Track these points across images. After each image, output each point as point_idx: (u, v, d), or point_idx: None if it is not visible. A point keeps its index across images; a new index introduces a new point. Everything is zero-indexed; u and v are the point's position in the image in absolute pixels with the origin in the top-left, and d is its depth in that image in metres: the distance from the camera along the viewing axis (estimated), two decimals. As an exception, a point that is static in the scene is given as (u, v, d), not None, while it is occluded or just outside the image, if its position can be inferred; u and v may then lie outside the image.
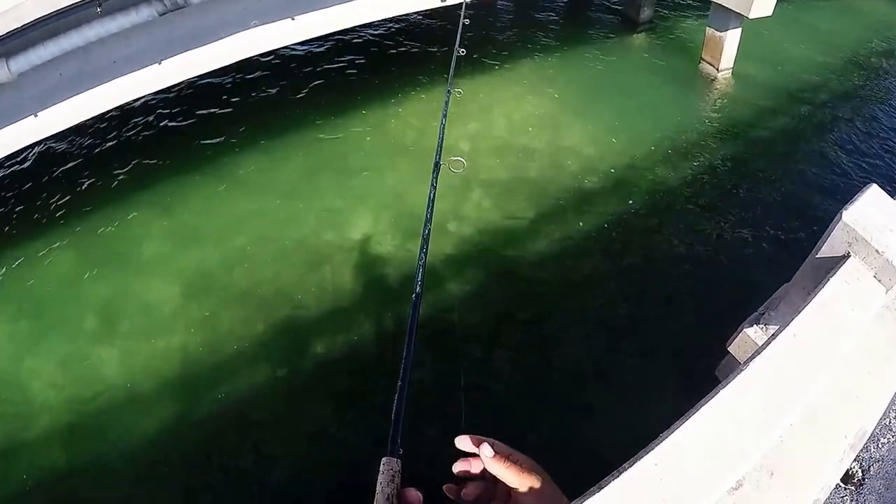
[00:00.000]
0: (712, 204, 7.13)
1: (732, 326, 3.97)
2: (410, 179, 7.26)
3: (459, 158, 2.48)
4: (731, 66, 9.62)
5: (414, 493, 0.93)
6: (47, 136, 5.80)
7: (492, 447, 0.95)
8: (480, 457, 0.94)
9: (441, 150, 2.45)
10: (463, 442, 0.99)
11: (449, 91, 3.07)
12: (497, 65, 9.68)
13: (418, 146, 7.80)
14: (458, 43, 3.34)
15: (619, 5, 11.67)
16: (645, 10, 10.90)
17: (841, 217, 2.76)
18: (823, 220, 6.36)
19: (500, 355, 5.51)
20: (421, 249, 1.83)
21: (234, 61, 6.23)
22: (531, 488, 0.90)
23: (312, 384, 5.29)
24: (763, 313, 3.48)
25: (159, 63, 5.76)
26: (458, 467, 0.99)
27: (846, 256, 2.74)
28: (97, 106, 5.79)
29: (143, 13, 5.20)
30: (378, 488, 0.94)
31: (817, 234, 2.94)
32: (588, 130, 8.29)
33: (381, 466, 0.97)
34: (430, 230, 1.92)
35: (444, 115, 2.88)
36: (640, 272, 6.27)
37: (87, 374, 5.40)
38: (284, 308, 5.88)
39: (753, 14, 8.47)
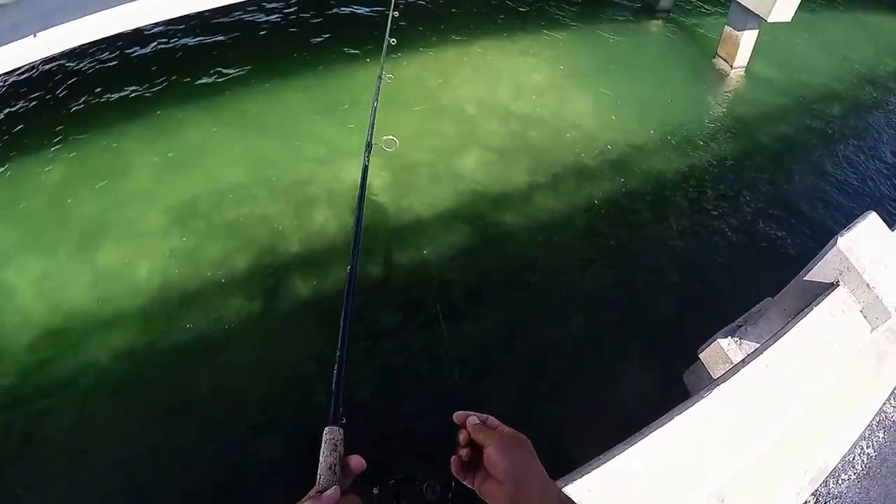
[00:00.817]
0: (705, 200, 6.95)
1: (705, 330, 3.87)
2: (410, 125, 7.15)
3: (392, 137, 2.46)
4: (745, 65, 9.40)
5: (357, 460, 0.96)
6: (45, 56, 5.54)
7: (480, 420, 0.99)
8: (467, 426, 0.98)
9: (373, 131, 2.50)
10: (457, 417, 1.01)
11: (380, 76, 3.10)
12: (509, 33, 9.36)
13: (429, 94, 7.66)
14: (388, 33, 3.36)
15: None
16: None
17: (836, 243, 2.60)
18: (814, 238, 6.32)
19: (475, 324, 5.36)
20: (356, 223, 1.81)
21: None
22: (505, 453, 0.92)
23: (284, 325, 5.20)
24: (740, 325, 3.35)
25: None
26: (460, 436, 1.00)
27: (835, 285, 2.59)
28: (99, 30, 5.51)
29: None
30: (321, 457, 0.94)
31: (806, 251, 2.80)
32: (593, 105, 8.08)
33: (324, 436, 0.98)
34: (363, 208, 1.90)
35: (376, 99, 2.91)
36: (623, 255, 6.14)
37: (62, 291, 5.30)
38: (267, 246, 5.74)
39: (772, 18, 8.27)
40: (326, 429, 0.99)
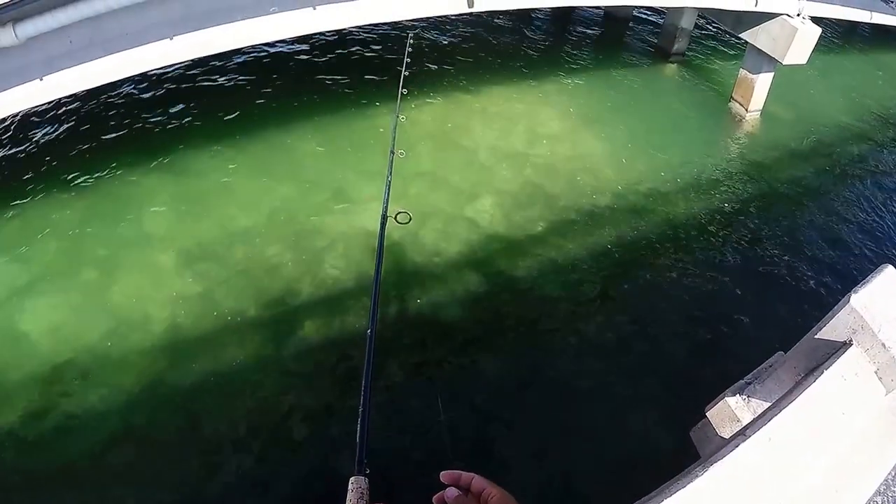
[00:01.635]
0: (720, 246, 6.75)
1: (715, 382, 3.65)
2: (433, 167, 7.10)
3: (406, 211, 2.57)
4: (761, 108, 9.27)
5: None
6: (51, 99, 5.61)
7: (469, 479, 0.96)
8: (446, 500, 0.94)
9: (387, 206, 2.61)
10: (445, 477, 0.98)
11: (392, 153, 3.19)
12: (522, 79, 9.39)
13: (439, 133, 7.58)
14: (396, 111, 3.54)
15: (652, 36, 11.31)
16: (679, 42, 10.51)
17: (849, 300, 2.42)
18: (831, 287, 6.06)
19: (488, 365, 5.23)
20: (374, 294, 1.92)
21: (247, 44, 5.99)
22: None
23: (294, 370, 5.07)
24: (749, 383, 3.14)
25: (171, 39, 5.51)
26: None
27: (848, 343, 2.40)
28: (104, 75, 5.56)
29: (155, -13, 4.96)
30: None
31: (822, 300, 2.61)
32: (607, 150, 7.98)
33: (350, 485, 1.02)
34: (380, 279, 1.98)
35: (390, 174, 2.97)
36: (636, 300, 5.97)
37: (74, 330, 5.24)
38: (278, 290, 5.66)
39: (788, 60, 8.19)
40: (352, 478, 1.03)
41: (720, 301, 5.97)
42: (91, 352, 5.11)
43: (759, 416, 2.26)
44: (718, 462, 1.76)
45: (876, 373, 2.29)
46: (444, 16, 8.72)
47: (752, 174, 8.02)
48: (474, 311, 5.70)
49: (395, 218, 2.52)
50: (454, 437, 4.55)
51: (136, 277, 5.70)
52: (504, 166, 7.52)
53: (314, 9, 5.95)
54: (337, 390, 4.94)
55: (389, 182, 2.89)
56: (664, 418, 4.73)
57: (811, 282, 6.25)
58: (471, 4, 6.74)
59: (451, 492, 0.95)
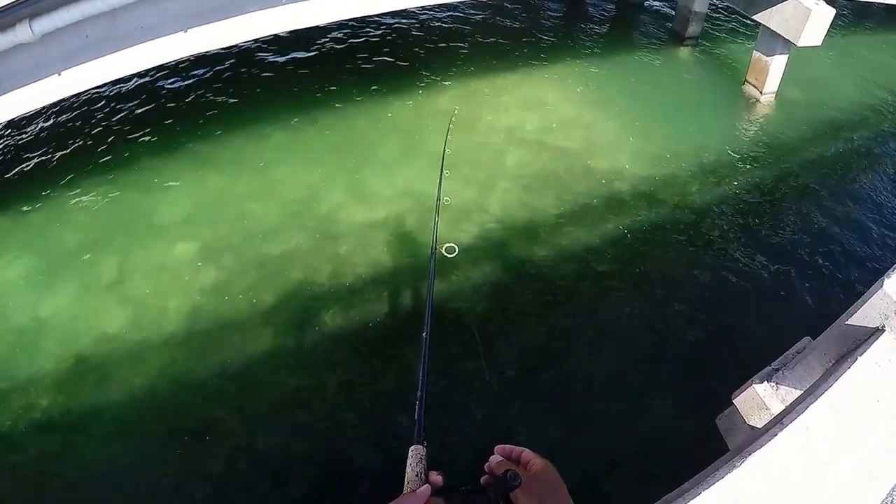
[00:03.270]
0: (737, 230, 6.57)
1: (737, 370, 3.55)
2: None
3: (453, 245, 2.97)
4: (775, 90, 9.02)
5: (436, 475, 1.06)
6: (71, 94, 5.60)
7: (519, 453, 1.05)
8: (491, 462, 1.05)
9: (435, 243, 3.01)
10: (499, 450, 1.08)
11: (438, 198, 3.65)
12: (537, 63, 9.25)
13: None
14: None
15: (667, 20, 11.06)
16: (692, 26, 10.27)
17: (882, 285, 2.32)
18: (852, 272, 5.90)
19: (507, 351, 5.16)
20: (429, 286, 2.53)
21: (261, 36, 5.92)
22: (531, 497, 0.94)
23: (314, 358, 5.05)
24: (777, 369, 3.04)
25: (185, 31, 5.46)
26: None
27: (881, 330, 2.30)
28: (122, 68, 5.55)
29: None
30: (408, 468, 1.14)
31: (840, 289, 2.49)
32: (622, 134, 7.83)
33: (410, 452, 1.18)
34: (432, 299, 2.32)
35: (436, 224, 3.38)
36: (653, 286, 5.85)
37: (94, 324, 5.27)
38: (296, 280, 5.64)
39: (802, 42, 7.94)
40: (412, 447, 1.18)
41: (739, 285, 5.83)
42: (111, 341, 5.14)
43: (794, 404, 2.17)
44: (756, 452, 1.68)
45: (911, 359, 2.19)
46: (450, 3, 8.61)
47: (767, 156, 7.82)
48: (488, 293, 5.65)
49: (443, 251, 2.92)
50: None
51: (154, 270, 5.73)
52: (517, 150, 7.41)
53: (325, -2, 5.86)
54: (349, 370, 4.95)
55: (437, 223, 3.35)
56: (685, 405, 4.65)
57: (831, 265, 6.09)
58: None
59: (496, 457, 1.06)
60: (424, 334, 1.87)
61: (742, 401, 2.94)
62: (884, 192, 7.41)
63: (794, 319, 5.32)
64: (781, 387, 2.76)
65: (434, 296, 2.36)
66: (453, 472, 1.07)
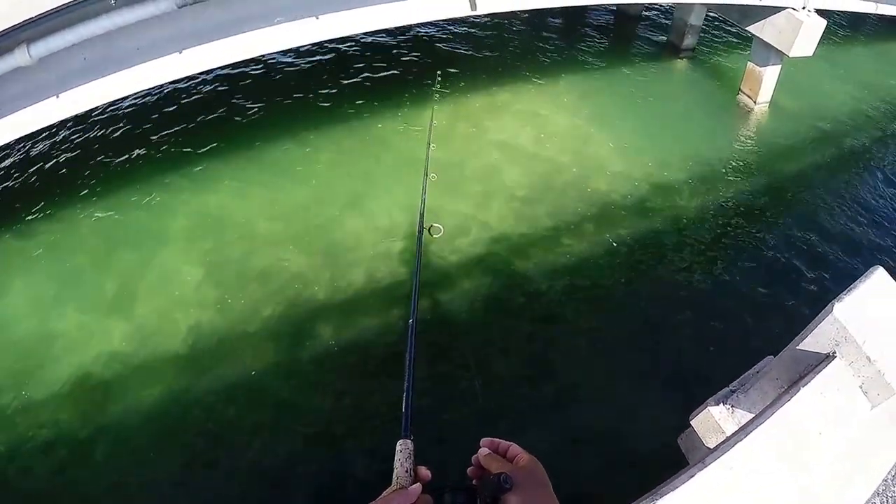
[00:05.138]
0: (729, 242, 6.47)
1: (698, 391, 3.44)
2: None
3: (438, 225, 3.24)
4: (769, 100, 8.91)
5: (424, 470, 1.05)
6: (69, 116, 5.60)
7: (506, 447, 1.05)
8: (478, 456, 1.04)
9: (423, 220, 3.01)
10: (485, 442, 1.07)
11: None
12: (533, 76, 9.15)
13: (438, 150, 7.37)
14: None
15: (662, 33, 10.94)
16: (688, 38, 10.14)
17: (832, 309, 2.20)
18: (833, 287, 5.74)
19: (498, 368, 5.05)
20: (414, 284, 2.20)
21: (256, 55, 5.90)
22: (519, 494, 0.91)
23: (316, 372, 5.01)
24: (734, 391, 2.92)
25: (180, 52, 5.47)
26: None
27: (831, 356, 2.19)
28: (120, 89, 5.56)
29: (161, 5, 4.88)
30: (397, 464, 1.07)
31: (825, 301, 2.35)
32: (616, 146, 7.74)
33: (398, 446, 1.10)
34: (418, 283, 2.18)
35: (424, 192, 3.40)
36: (644, 298, 5.74)
37: (99, 341, 5.24)
38: (299, 296, 5.59)
39: (794, 53, 7.86)
40: (400, 441, 1.11)
41: (730, 295, 5.73)
42: (117, 357, 5.12)
43: (739, 432, 2.07)
44: (682, 486, 1.60)
45: (860, 387, 2.09)
46: (451, 19, 8.54)
47: (760, 165, 7.70)
48: (483, 305, 5.54)
49: (430, 232, 2.86)
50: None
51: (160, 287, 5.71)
52: (514, 163, 7.33)
53: (317, 18, 5.85)
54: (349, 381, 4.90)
55: (424, 200, 3.31)
56: (670, 416, 4.53)
57: (820, 275, 5.95)
58: (474, 7, 6.55)
59: (484, 450, 1.05)
60: (411, 321, 1.77)
61: (699, 422, 2.82)
62: (872, 200, 7.26)
63: (782, 329, 5.17)
64: (737, 410, 2.65)
65: (421, 299, 2.27)
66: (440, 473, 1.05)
